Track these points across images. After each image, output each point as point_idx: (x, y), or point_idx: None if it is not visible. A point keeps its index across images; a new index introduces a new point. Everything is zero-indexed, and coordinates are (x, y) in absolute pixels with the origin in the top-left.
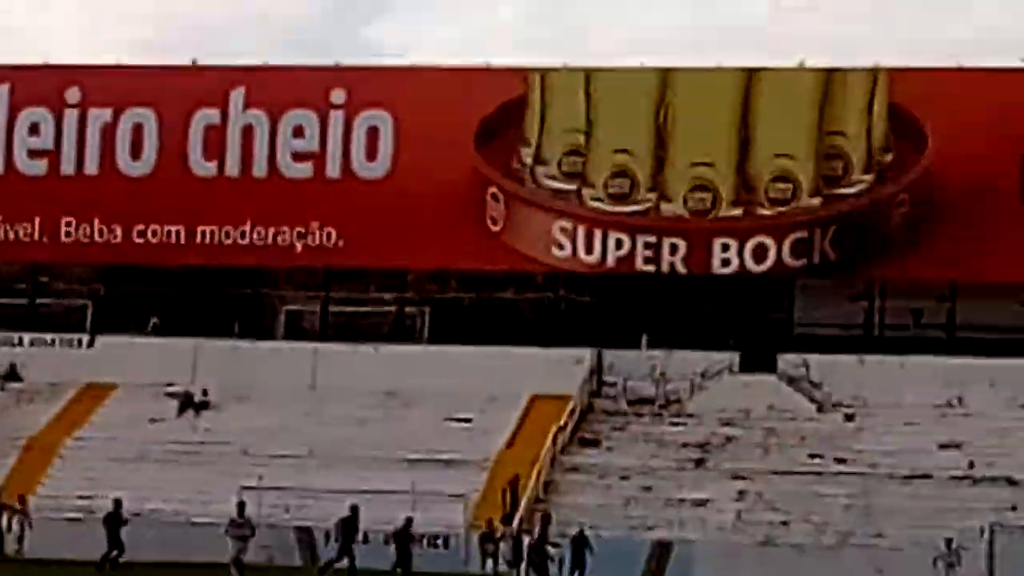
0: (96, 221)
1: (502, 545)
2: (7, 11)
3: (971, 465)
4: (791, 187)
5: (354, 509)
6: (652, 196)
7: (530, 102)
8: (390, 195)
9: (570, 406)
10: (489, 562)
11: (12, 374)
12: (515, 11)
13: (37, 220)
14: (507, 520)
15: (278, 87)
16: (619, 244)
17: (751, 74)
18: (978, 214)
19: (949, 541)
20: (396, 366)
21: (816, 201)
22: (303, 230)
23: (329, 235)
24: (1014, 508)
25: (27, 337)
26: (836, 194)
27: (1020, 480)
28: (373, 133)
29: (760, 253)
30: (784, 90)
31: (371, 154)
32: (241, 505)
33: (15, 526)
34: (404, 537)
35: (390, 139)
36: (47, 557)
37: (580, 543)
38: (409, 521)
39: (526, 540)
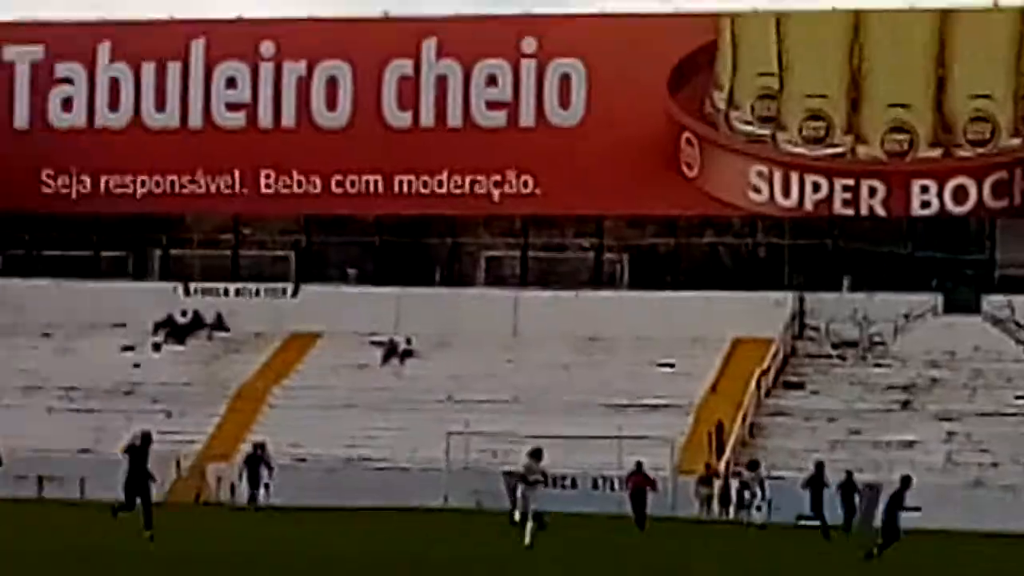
0: (295, 172)
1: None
2: None
3: None
4: (990, 127)
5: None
6: (848, 139)
7: (721, 47)
8: (584, 142)
9: (773, 349)
10: (699, 504)
11: (219, 324)
12: None
13: (237, 172)
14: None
15: (470, 37)
16: (816, 187)
17: (945, 14)
18: None
19: None
20: (596, 312)
21: (1016, 142)
22: (499, 178)
23: (525, 183)
24: None
25: (232, 287)
26: None
27: None
28: (565, 81)
29: (960, 194)
30: (980, 29)
31: (564, 102)
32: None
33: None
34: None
35: (583, 86)
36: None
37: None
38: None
39: (733, 484)
